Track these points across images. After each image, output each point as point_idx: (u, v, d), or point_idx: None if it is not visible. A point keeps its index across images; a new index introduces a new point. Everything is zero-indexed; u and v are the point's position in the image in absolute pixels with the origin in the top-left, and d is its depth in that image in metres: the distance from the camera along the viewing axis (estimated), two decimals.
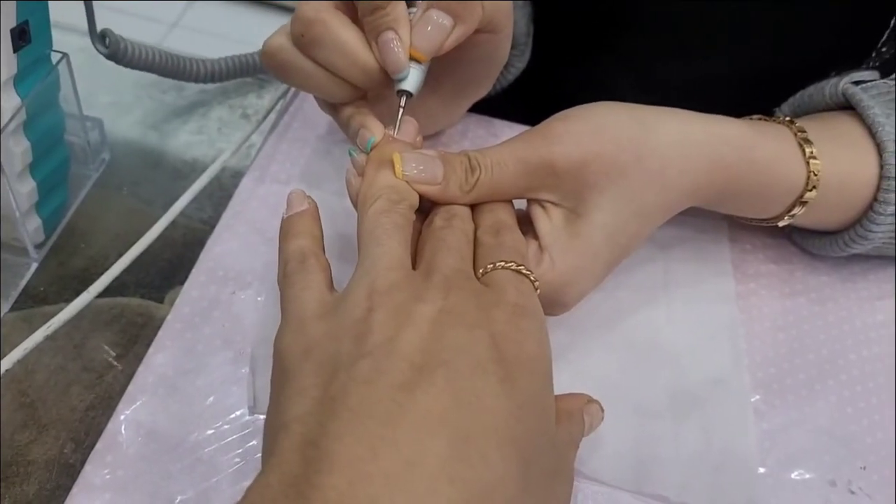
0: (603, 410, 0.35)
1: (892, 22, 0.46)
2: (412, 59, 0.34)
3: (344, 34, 0.34)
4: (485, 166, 0.35)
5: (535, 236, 0.36)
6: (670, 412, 0.38)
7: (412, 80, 0.35)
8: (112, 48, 0.46)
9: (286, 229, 0.34)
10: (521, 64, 0.50)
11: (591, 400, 0.34)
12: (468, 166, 0.35)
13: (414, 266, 0.32)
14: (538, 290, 0.32)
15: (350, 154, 0.36)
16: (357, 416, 0.25)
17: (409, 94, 0.35)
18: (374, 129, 0.35)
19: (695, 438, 0.37)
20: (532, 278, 0.32)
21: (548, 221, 0.36)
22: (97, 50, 0.46)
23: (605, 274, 0.37)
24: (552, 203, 0.36)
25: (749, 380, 0.39)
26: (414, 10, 0.35)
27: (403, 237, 0.31)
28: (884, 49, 0.48)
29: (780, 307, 0.43)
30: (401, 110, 0.36)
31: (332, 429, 0.25)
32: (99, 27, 0.45)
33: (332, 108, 0.38)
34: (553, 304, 0.36)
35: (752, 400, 0.39)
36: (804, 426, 0.38)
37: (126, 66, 0.47)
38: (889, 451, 0.38)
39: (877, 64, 0.48)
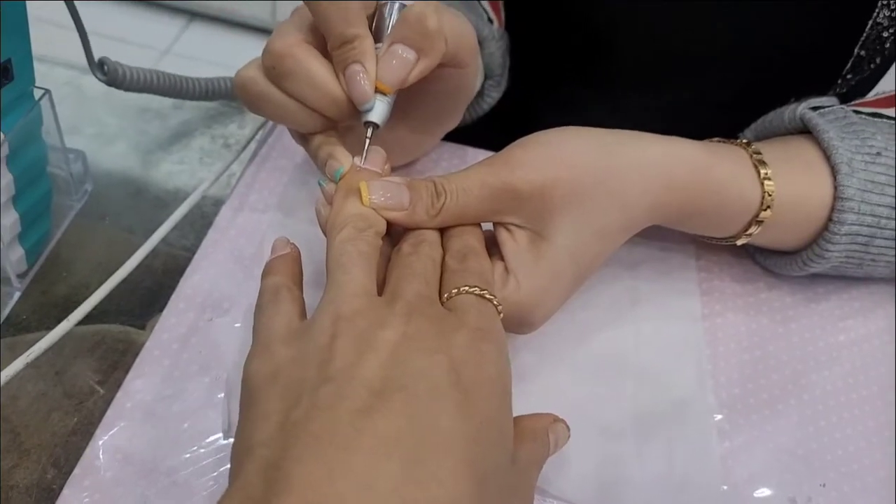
0: (569, 429, 0.35)
1: (856, 50, 0.47)
2: (378, 91, 0.36)
3: (313, 67, 0.35)
4: (450, 191, 0.36)
5: (502, 258, 0.37)
6: (634, 432, 0.39)
7: (378, 111, 0.36)
8: (111, 75, 0.47)
9: (267, 269, 0.36)
10: (496, 94, 0.51)
11: (556, 419, 0.35)
12: (434, 192, 0.36)
13: (382, 292, 0.33)
14: (501, 314, 0.33)
15: (319, 185, 0.37)
16: (318, 440, 0.26)
17: (375, 126, 0.36)
18: (341, 159, 0.37)
19: (659, 458, 0.38)
20: (495, 302, 0.33)
21: (513, 244, 0.37)
22: (97, 77, 0.47)
23: (570, 293, 0.38)
24: (517, 226, 0.37)
25: (713, 400, 0.40)
26: (380, 45, 0.36)
27: (368, 264, 0.32)
28: (849, 76, 0.49)
29: (744, 328, 0.43)
30: (367, 141, 0.37)
31: (293, 453, 0.25)
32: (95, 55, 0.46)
33: (302, 138, 0.40)
34: (520, 324, 0.37)
35: (717, 419, 0.40)
36: (766, 445, 0.39)
37: (126, 90, 0.48)
38: (848, 468, 0.38)
39: (844, 90, 0.50)
